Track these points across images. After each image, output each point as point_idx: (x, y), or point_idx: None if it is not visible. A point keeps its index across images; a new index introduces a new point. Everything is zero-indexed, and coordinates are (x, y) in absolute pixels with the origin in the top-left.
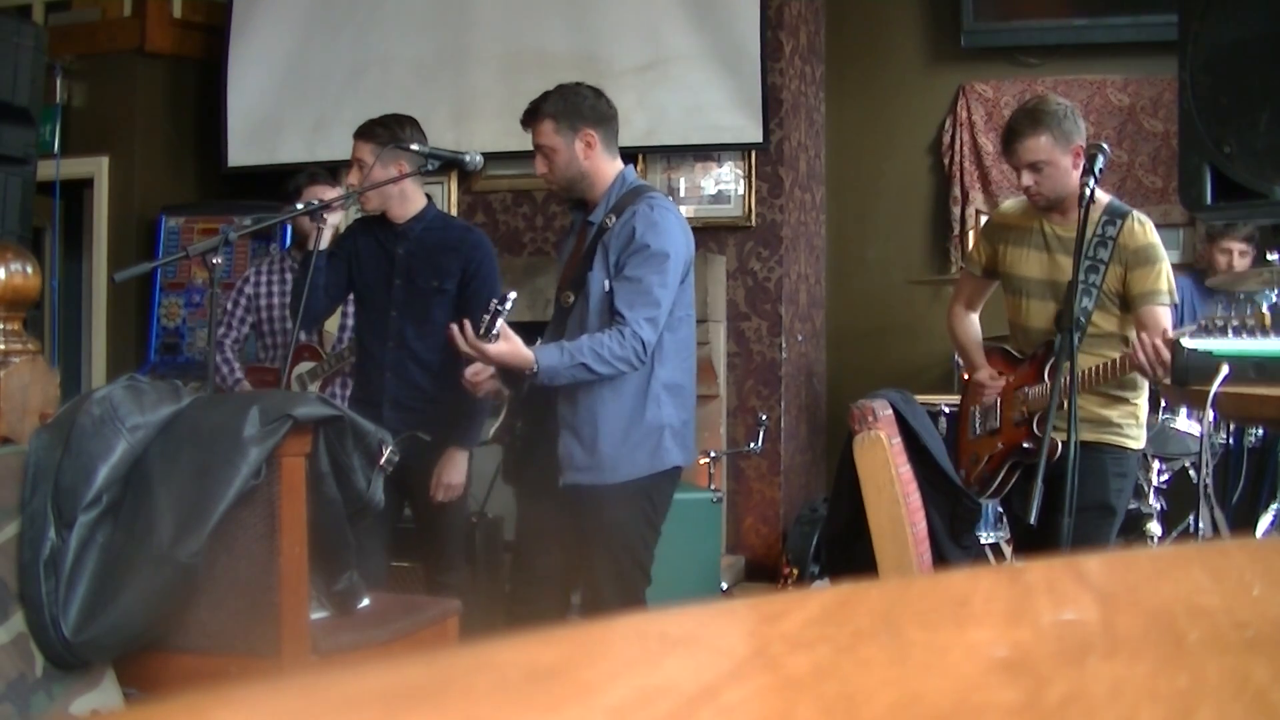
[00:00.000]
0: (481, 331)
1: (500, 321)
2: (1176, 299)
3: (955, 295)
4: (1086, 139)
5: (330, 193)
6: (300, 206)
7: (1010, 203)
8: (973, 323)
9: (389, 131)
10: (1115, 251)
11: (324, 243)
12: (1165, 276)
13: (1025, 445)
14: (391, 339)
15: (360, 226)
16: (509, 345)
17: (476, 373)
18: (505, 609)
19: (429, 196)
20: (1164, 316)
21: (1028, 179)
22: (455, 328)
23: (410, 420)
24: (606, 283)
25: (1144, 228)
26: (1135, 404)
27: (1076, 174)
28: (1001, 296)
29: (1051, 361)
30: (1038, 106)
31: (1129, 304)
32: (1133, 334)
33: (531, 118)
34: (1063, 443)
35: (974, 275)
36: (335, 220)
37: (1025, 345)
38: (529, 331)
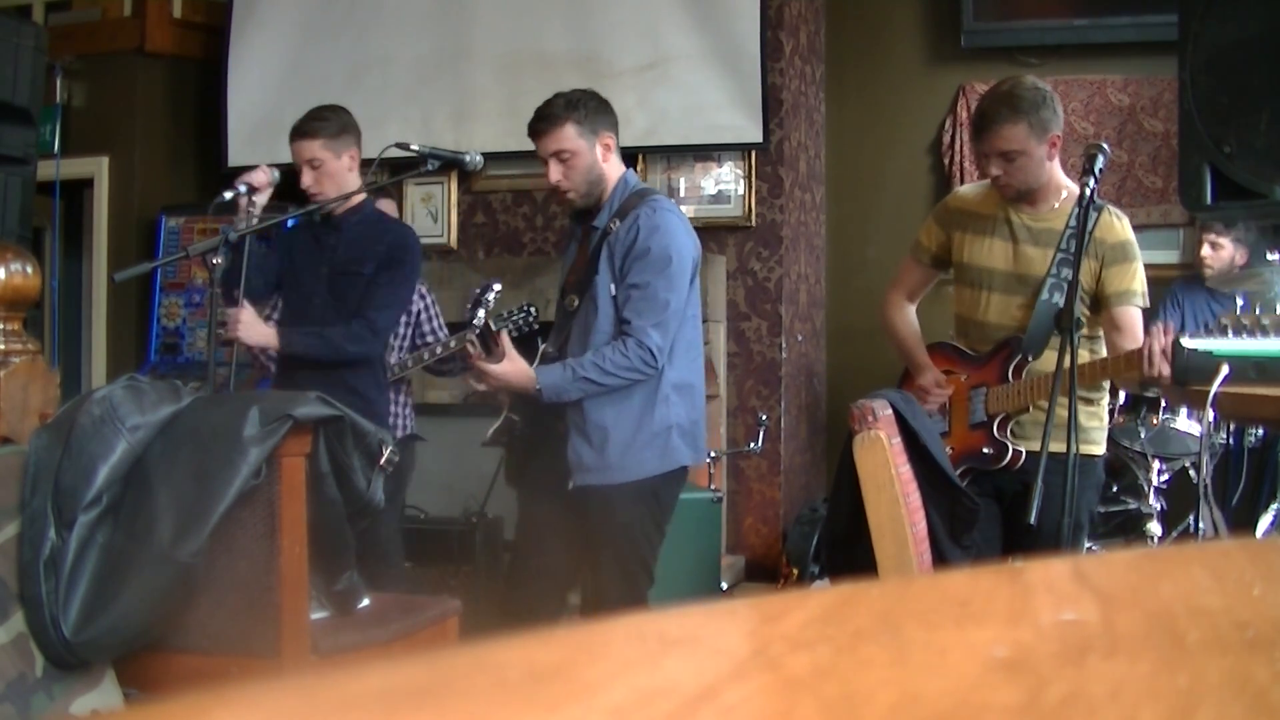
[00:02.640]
0: (470, 321)
1: (505, 339)
2: (1147, 301)
3: (895, 284)
4: (1063, 127)
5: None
6: (311, 207)
7: (968, 187)
8: (912, 315)
9: (335, 123)
10: (1091, 246)
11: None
12: (1140, 277)
13: (985, 450)
14: (314, 326)
15: (298, 228)
16: (512, 366)
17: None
18: (501, 608)
19: (371, 191)
20: (1138, 318)
21: (996, 168)
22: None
23: None
24: (613, 287)
25: (1121, 223)
26: (1100, 404)
27: (1050, 165)
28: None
29: (1018, 359)
30: (1014, 91)
31: (1101, 302)
32: (1121, 340)
33: (549, 124)
34: (1027, 451)
35: (921, 263)
36: (263, 200)
37: (979, 342)
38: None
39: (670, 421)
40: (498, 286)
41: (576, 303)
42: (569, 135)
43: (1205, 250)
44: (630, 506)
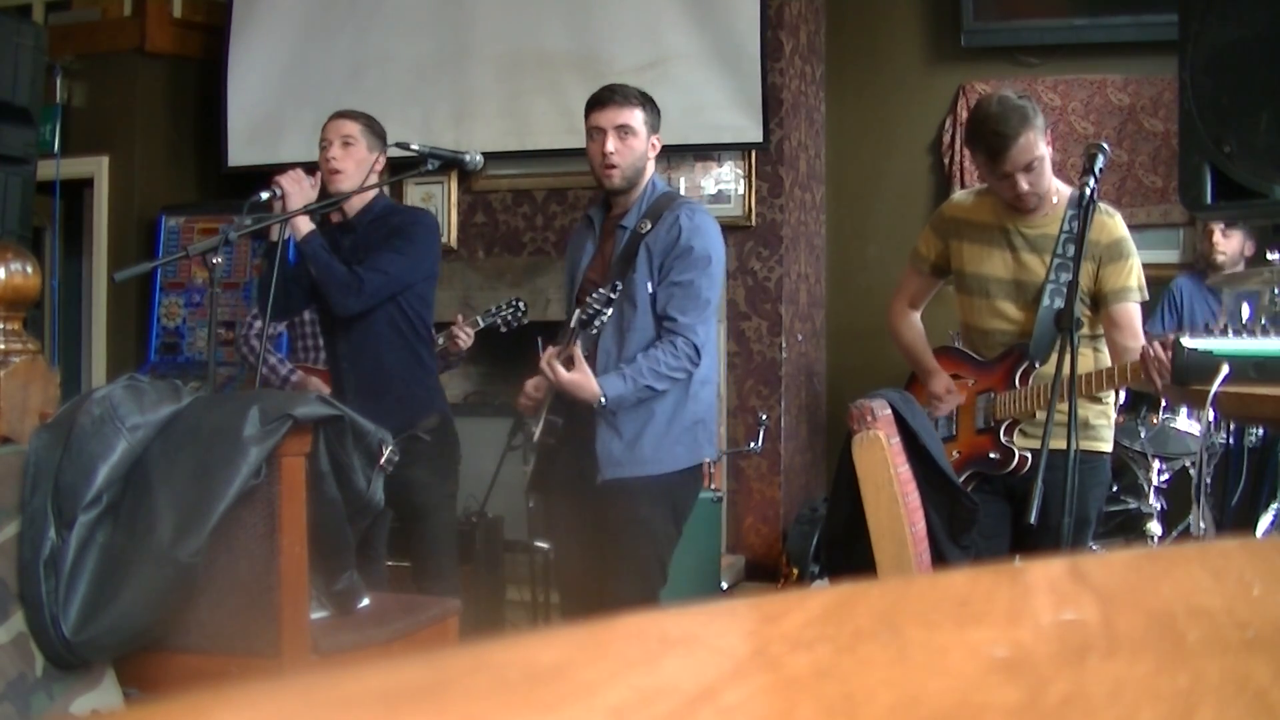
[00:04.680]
0: (581, 318)
1: (577, 349)
2: (1146, 295)
3: (898, 293)
4: (1063, 127)
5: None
6: (316, 205)
7: (963, 194)
8: (917, 323)
9: (377, 124)
10: (1086, 246)
11: (290, 233)
12: (1136, 273)
13: (992, 455)
14: (340, 329)
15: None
16: (581, 376)
17: (538, 387)
18: (558, 613)
19: (381, 189)
20: (1136, 314)
21: (1024, 183)
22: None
23: (377, 408)
24: (650, 285)
25: (1114, 220)
26: (1108, 403)
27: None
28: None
29: (1025, 366)
30: (1007, 104)
31: (1099, 301)
32: (1120, 338)
33: (623, 98)
34: (1033, 452)
35: (921, 273)
36: (292, 206)
37: (983, 348)
38: (531, 331)
39: (698, 416)
40: (620, 286)
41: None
42: (637, 116)
43: (1217, 237)
44: (654, 501)
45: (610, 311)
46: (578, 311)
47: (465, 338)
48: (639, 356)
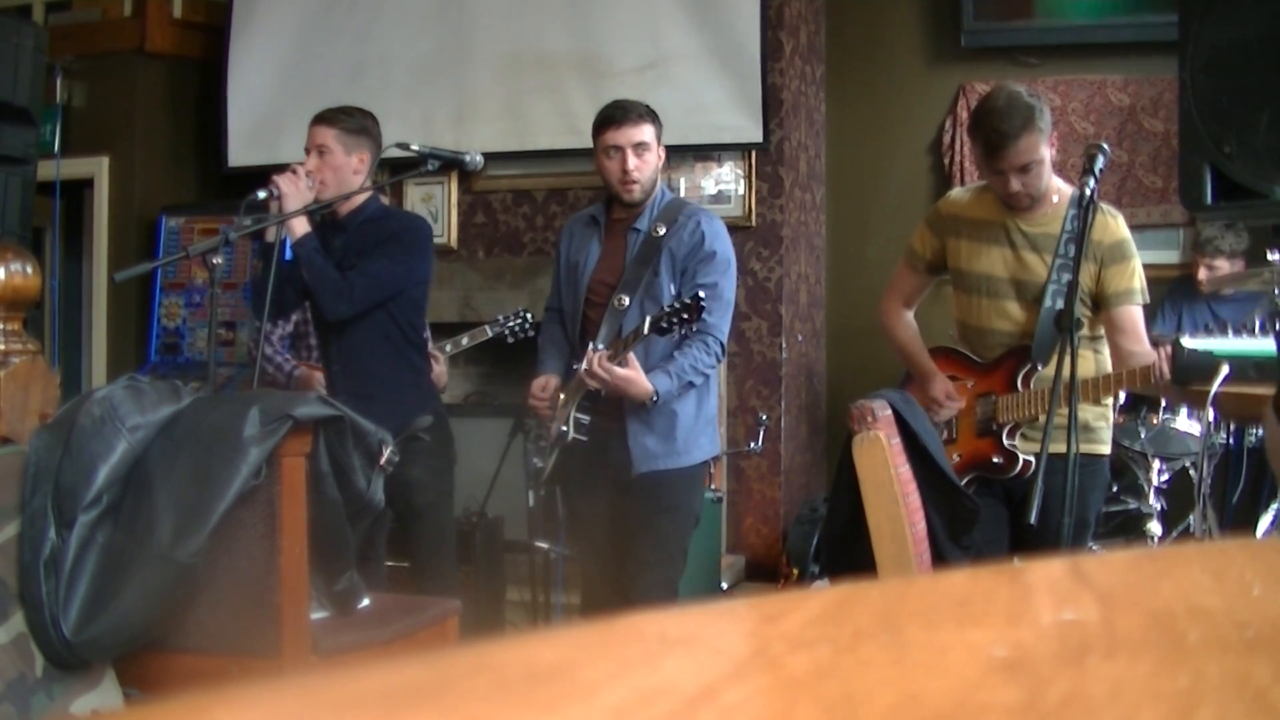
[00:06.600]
0: (661, 325)
1: (630, 353)
2: (1147, 298)
3: (891, 291)
4: (1064, 127)
5: None
6: (310, 206)
7: (960, 191)
8: (912, 321)
9: (356, 120)
10: (1089, 247)
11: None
12: (1139, 274)
13: (995, 460)
14: (333, 331)
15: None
16: (636, 374)
17: (544, 388)
18: (580, 610)
19: (375, 190)
20: (1139, 317)
21: (1016, 183)
22: (595, 353)
23: (367, 411)
24: (672, 288)
25: (1116, 221)
26: (1107, 405)
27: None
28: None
29: (1027, 368)
30: (1015, 102)
31: (1101, 303)
32: (1124, 341)
33: (636, 117)
34: (1035, 456)
35: (916, 270)
36: (288, 207)
37: (981, 348)
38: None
39: (712, 411)
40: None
41: (627, 302)
42: (649, 132)
43: (1202, 273)
44: (683, 490)
45: (690, 320)
46: (648, 319)
47: (438, 370)
48: (676, 355)
